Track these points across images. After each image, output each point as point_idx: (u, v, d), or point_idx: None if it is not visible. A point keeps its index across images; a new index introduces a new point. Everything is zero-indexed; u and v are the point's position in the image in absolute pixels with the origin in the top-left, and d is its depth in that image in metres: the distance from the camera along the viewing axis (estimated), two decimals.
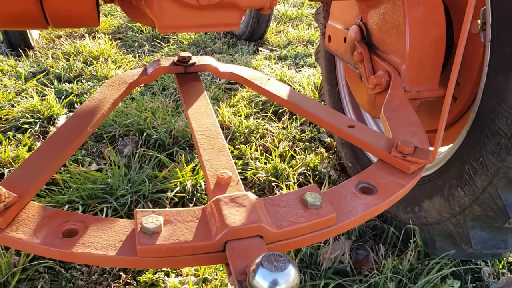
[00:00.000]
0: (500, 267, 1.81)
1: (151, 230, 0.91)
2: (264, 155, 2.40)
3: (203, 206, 0.98)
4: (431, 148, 1.29)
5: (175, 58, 1.56)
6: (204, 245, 0.90)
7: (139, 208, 1.99)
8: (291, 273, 0.73)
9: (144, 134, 2.50)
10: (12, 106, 2.87)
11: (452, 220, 1.61)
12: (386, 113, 1.42)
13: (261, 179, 2.24)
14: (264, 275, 0.73)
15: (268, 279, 0.72)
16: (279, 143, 2.55)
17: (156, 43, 4.27)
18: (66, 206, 1.89)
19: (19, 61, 3.71)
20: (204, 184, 2.12)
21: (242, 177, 2.28)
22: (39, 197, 1.96)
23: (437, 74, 1.63)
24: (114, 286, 1.63)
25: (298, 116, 2.83)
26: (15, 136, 2.55)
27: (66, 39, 4.13)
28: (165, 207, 2.01)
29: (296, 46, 4.43)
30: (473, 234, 1.56)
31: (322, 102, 2.74)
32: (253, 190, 2.19)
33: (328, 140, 2.63)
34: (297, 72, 3.68)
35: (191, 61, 1.56)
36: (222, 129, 2.67)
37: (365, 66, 1.73)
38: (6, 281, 1.58)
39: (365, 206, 1.06)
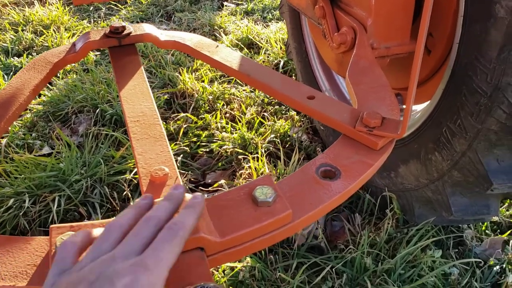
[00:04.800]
0: (484, 228, 1.71)
1: None
2: (230, 124, 2.23)
3: None
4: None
5: (108, 30, 1.35)
6: None
7: (95, 194, 1.82)
8: None
9: (98, 109, 2.30)
10: None
11: (430, 186, 1.49)
12: (351, 77, 1.26)
13: (228, 151, 2.08)
14: None
15: None
16: (246, 109, 2.38)
17: (113, 6, 3.97)
18: (12, 200, 1.71)
19: None
20: None
21: (208, 149, 2.12)
22: None
23: (407, 26, 1.46)
24: None
25: None
26: None
27: (14, 8, 3.80)
28: (124, 191, 1.85)
29: None
30: (453, 201, 1.44)
31: (290, 61, 2.55)
32: (220, 164, 2.04)
33: None
34: (264, 27, 3.45)
35: (125, 32, 1.35)
36: (185, 97, 2.48)
37: (328, 22, 1.55)
38: None
39: (327, 195, 0.91)
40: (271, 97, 2.49)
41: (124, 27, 1.35)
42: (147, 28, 1.40)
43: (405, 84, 1.69)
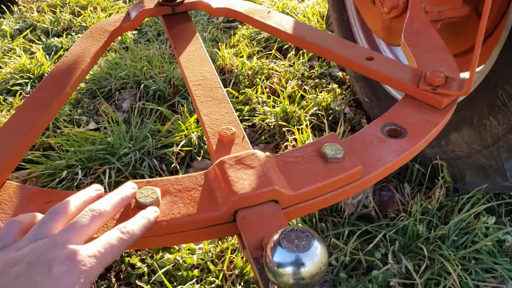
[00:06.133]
0: None
1: (147, 205, 0.77)
2: (271, 98, 2.23)
3: (206, 171, 0.84)
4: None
5: None
6: (210, 217, 0.77)
7: (144, 166, 1.86)
8: (317, 252, 0.59)
9: (142, 85, 2.33)
10: (0, 68, 2.70)
11: (484, 153, 1.46)
12: (407, 39, 1.24)
13: (270, 124, 2.08)
14: (284, 257, 0.59)
15: (289, 262, 0.58)
16: (286, 83, 2.37)
17: None
18: (65, 172, 1.76)
19: (4, 18, 3.49)
20: None
21: (250, 123, 2.13)
22: (36, 164, 1.84)
23: None
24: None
25: (305, 50, 2.62)
26: (6, 99, 2.40)
27: None
28: (172, 163, 1.88)
29: None
30: (508, 166, 1.41)
31: (330, 33, 2.52)
32: (263, 137, 2.05)
33: (340, 74, 2.44)
34: (300, 1, 3.42)
35: (178, 0, 1.35)
36: (224, 73, 2.49)
37: None
38: None
39: (395, 152, 0.91)
40: (311, 71, 2.48)
41: None
42: None
43: (454, 50, 1.65)
